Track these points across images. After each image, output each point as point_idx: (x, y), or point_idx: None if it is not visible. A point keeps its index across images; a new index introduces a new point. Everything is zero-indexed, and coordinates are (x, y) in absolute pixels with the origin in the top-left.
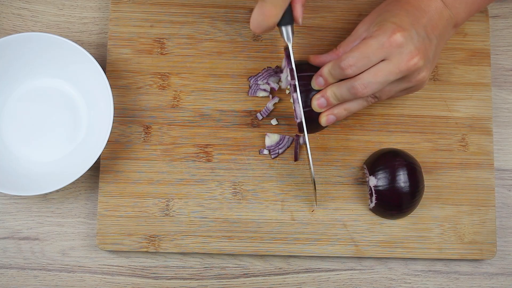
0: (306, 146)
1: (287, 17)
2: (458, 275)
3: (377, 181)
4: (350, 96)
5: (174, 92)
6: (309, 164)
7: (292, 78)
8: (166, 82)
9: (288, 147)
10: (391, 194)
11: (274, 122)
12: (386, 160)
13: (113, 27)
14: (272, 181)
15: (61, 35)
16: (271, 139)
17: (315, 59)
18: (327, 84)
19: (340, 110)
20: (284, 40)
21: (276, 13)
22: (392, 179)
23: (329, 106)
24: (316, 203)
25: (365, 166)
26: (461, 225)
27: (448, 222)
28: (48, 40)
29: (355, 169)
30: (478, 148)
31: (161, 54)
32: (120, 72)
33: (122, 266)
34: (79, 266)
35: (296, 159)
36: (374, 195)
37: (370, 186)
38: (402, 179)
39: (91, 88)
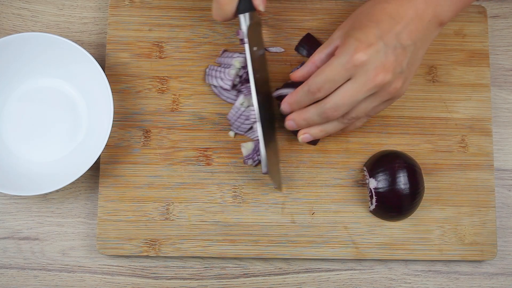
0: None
1: (244, 4)
2: (458, 275)
3: (377, 183)
4: (321, 120)
5: (173, 96)
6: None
7: (246, 78)
8: (165, 86)
9: None
10: (391, 196)
11: (231, 134)
12: (386, 162)
13: (112, 31)
14: (272, 184)
15: (61, 35)
16: (246, 148)
17: (294, 76)
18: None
19: (316, 131)
20: (241, 27)
21: (229, 1)
22: (392, 181)
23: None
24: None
25: (365, 168)
26: (462, 226)
27: (448, 224)
28: (48, 40)
29: (355, 171)
30: (478, 149)
31: (160, 57)
32: (119, 76)
33: (122, 266)
34: (79, 266)
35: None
36: (374, 197)
37: (370, 188)
38: (402, 181)
39: (91, 88)
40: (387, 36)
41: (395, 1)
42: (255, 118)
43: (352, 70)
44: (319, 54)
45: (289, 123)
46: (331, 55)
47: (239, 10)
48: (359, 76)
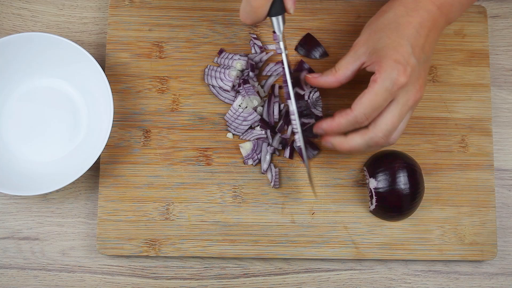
0: (303, 157)
1: (277, 7)
2: (458, 275)
3: (377, 183)
4: (367, 147)
5: (173, 96)
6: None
7: (285, 79)
8: (165, 86)
9: (267, 152)
10: (392, 196)
11: (230, 136)
12: (386, 162)
13: (112, 31)
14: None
15: (61, 35)
16: (245, 149)
17: (313, 81)
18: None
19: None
20: (275, 30)
21: (264, 3)
22: (392, 181)
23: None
24: (315, 195)
25: (365, 168)
26: (462, 226)
27: (448, 224)
28: (48, 40)
29: (355, 171)
30: (478, 149)
31: (160, 57)
32: (119, 76)
33: (122, 266)
34: (79, 266)
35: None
36: (374, 197)
37: (370, 188)
38: (402, 181)
39: (91, 88)
40: (416, 51)
41: (416, 13)
42: (252, 120)
43: (395, 94)
44: (345, 71)
45: (328, 145)
46: (357, 71)
47: (270, 13)
48: (402, 97)
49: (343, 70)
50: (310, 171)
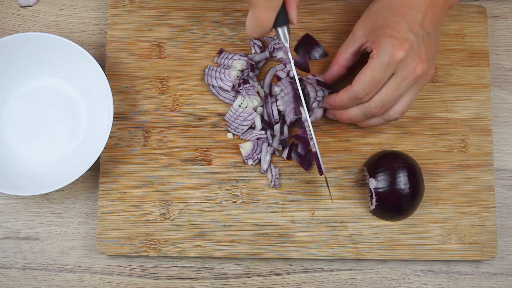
0: (315, 146)
1: (282, 18)
2: (458, 275)
3: (377, 183)
4: (366, 118)
5: (173, 96)
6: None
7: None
8: (165, 86)
9: (267, 152)
10: (391, 196)
11: (230, 136)
12: (386, 162)
13: (112, 31)
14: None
15: (61, 35)
16: (245, 149)
17: (327, 82)
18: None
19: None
20: (281, 41)
21: (269, 17)
22: (392, 181)
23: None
24: (331, 199)
25: (365, 168)
26: (462, 226)
27: (448, 224)
28: (48, 40)
29: (355, 171)
30: (478, 149)
31: (160, 58)
32: (119, 76)
33: (122, 266)
34: (79, 266)
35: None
36: (374, 197)
37: (370, 188)
38: (402, 181)
39: (91, 88)
40: (414, 27)
41: None
42: (252, 120)
43: (394, 67)
44: (344, 54)
45: (331, 116)
46: (356, 53)
47: (275, 24)
48: (401, 71)
49: (343, 55)
50: (326, 176)
